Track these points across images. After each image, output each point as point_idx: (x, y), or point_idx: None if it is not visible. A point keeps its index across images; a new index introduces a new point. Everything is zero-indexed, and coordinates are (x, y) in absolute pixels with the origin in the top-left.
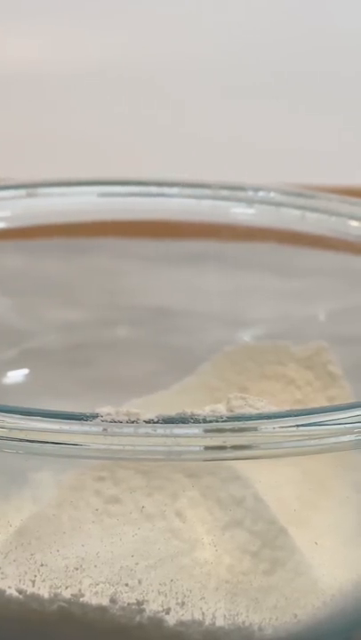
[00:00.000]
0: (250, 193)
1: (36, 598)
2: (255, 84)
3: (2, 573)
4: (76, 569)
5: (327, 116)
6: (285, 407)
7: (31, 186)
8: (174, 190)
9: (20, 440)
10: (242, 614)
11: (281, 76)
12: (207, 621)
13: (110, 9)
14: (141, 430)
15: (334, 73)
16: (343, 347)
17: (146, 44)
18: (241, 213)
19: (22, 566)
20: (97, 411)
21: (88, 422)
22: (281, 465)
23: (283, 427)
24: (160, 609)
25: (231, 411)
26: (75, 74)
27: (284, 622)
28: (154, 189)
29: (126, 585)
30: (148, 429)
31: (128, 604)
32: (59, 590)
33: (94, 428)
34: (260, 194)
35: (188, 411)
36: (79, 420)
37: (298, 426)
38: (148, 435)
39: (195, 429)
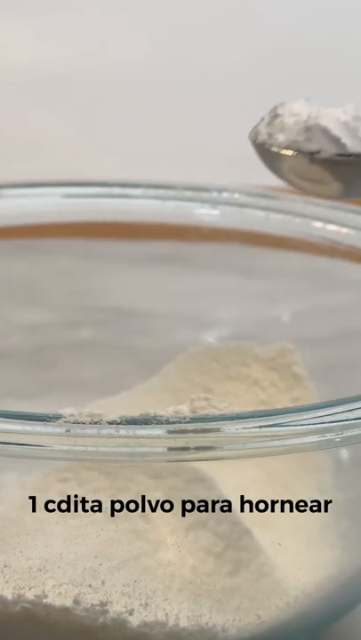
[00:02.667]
0: (214, 194)
1: None
2: (217, 85)
3: None
4: (40, 570)
5: None
6: (249, 408)
7: None
8: (138, 191)
9: None
10: (205, 615)
11: (245, 76)
12: (171, 622)
13: (62, 9)
14: (104, 431)
15: (297, 74)
16: (308, 348)
17: (102, 44)
18: (205, 214)
19: None
20: (60, 412)
21: (51, 423)
22: (245, 466)
23: (246, 427)
24: (124, 610)
25: (194, 412)
26: (33, 74)
27: (247, 623)
28: (117, 190)
29: (90, 586)
30: (111, 430)
31: (92, 604)
32: (22, 591)
33: (57, 429)
34: (225, 195)
35: (152, 412)
36: (42, 421)
37: (261, 427)
38: (111, 436)
39: (158, 430)
